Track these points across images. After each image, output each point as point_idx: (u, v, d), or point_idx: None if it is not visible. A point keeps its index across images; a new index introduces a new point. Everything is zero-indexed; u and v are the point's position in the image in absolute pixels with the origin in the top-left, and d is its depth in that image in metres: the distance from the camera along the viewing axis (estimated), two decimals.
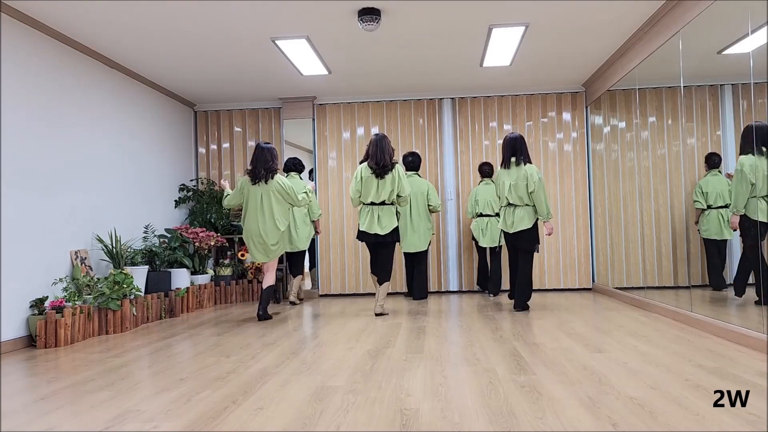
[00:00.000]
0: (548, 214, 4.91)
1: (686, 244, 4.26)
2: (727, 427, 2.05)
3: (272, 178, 4.95)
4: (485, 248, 6.35)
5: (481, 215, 6.11)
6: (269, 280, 5.11)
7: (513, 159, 5.03)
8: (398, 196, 5.09)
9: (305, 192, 5.87)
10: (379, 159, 4.98)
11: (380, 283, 5.13)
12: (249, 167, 5.03)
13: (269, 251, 5.00)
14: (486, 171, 6.21)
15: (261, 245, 4.97)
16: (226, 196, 5.17)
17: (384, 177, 5.00)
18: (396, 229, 5.09)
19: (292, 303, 6.17)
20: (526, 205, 4.98)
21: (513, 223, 5.02)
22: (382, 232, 5.02)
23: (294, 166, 6.13)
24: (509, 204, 5.07)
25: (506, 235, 5.17)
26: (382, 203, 5.07)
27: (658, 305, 4.76)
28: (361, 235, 5.11)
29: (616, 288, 5.91)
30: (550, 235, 5.07)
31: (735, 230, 3.69)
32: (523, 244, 5.01)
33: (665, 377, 2.74)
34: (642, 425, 2.09)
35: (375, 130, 6.97)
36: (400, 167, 5.07)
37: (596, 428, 2.07)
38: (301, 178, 6.15)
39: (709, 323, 3.85)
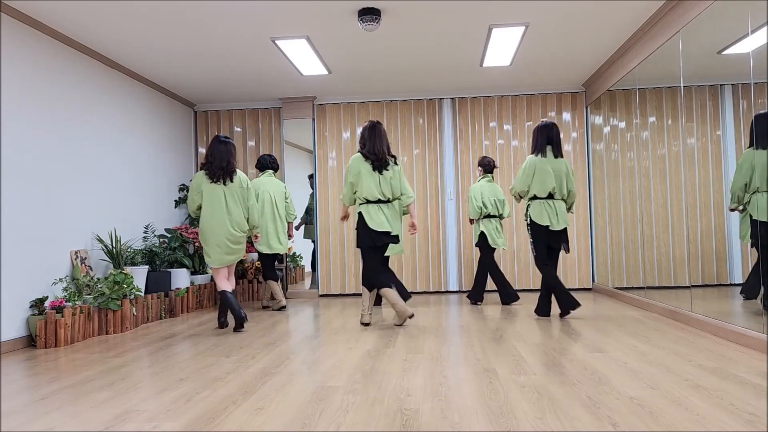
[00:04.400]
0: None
1: (686, 244, 4.26)
2: (727, 427, 2.05)
3: (231, 180, 4.54)
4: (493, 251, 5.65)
5: (489, 216, 5.59)
6: (231, 284, 4.72)
7: (549, 147, 4.66)
8: (402, 195, 4.61)
9: (284, 192, 5.72)
10: (378, 149, 4.48)
11: (369, 291, 4.58)
12: (204, 161, 4.58)
13: (234, 254, 4.57)
14: (488, 164, 5.68)
15: (226, 248, 4.51)
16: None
17: (383, 172, 4.50)
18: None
19: (270, 308, 5.91)
20: (563, 199, 4.71)
21: (559, 218, 4.62)
22: (394, 232, 4.52)
23: (270, 163, 5.87)
24: (549, 196, 4.64)
25: (544, 231, 4.63)
26: (387, 201, 4.53)
27: (658, 305, 4.76)
28: (372, 237, 4.44)
29: (616, 288, 5.91)
30: None
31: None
32: (560, 243, 4.68)
33: (665, 377, 2.74)
34: (642, 425, 2.09)
35: None
36: (398, 163, 4.61)
37: (596, 428, 2.07)
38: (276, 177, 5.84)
39: (709, 323, 3.85)
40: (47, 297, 4.20)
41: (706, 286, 4.09)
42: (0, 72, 4.01)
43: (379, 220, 4.45)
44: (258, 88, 6.53)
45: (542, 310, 4.78)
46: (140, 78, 5.87)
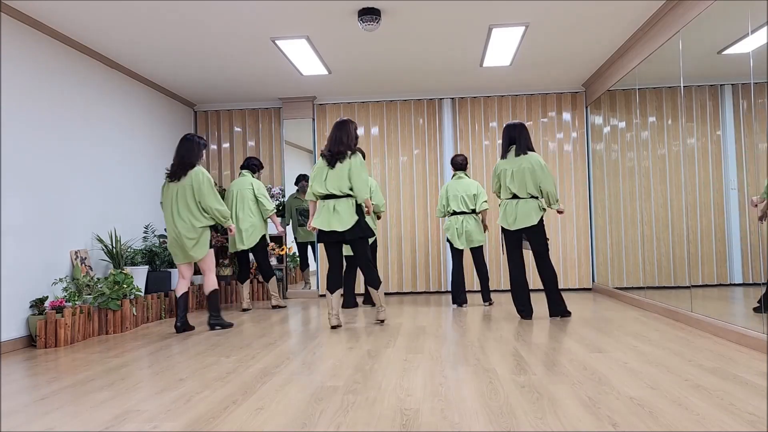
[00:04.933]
0: (558, 201, 4.62)
1: (686, 244, 4.26)
2: (727, 427, 2.05)
3: (185, 175, 4.45)
4: (461, 252, 5.51)
5: (454, 213, 5.42)
6: (210, 283, 4.59)
7: (513, 147, 4.64)
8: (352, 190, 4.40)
9: (251, 189, 5.60)
10: (332, 145, 4.43)
11: (376, 288, 4.54)
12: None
13: (189, 254, 4.46)
14: (459, 163, 5.52)
15: (178, 247, 4.48)
16: None
17: (335, 165, 4.40)
18: (360, 224, 4.40)
19: (278, 307, 5.98)
20: (531, 197, 4.58)
21: (516, 218, 4.58)
22: (341, 229, 4.34)
23: (247, 165, 5.84)
24: (512, 197, 4.64)
25: (507, 232, 4.69)
26: (334, 195, 4.41)
27: (658, 305, 4.76)
28: (320, 235, 4.46)
29: (616, 288, 5.91)
30: (562, 213, 4.76)
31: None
32: (534, 244, 4.59)
33: (665, 377, 2.74)
34: (642, 425, 2.09)
35: (375, 131, 6.98)
36: (357, 156, 4.41)
37: (596, 428, 2.07)
38: (255, 177, 5.80)
39: (709, 323, 3.85)
40: (47, 297, 4.20)
41: (706, 286, 4.09)
42: (0, 72, 4.01)
43: (321, 218, 4.42)
44: (258, 88, 6.53)
45: (554, 310, 4.64)
46: (140, 78, 5.87)
